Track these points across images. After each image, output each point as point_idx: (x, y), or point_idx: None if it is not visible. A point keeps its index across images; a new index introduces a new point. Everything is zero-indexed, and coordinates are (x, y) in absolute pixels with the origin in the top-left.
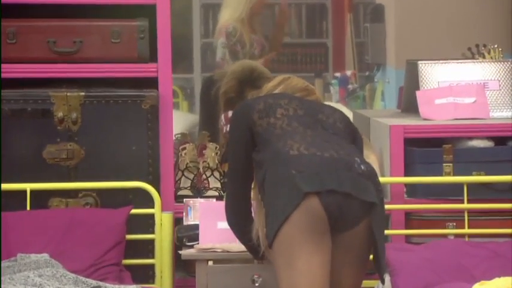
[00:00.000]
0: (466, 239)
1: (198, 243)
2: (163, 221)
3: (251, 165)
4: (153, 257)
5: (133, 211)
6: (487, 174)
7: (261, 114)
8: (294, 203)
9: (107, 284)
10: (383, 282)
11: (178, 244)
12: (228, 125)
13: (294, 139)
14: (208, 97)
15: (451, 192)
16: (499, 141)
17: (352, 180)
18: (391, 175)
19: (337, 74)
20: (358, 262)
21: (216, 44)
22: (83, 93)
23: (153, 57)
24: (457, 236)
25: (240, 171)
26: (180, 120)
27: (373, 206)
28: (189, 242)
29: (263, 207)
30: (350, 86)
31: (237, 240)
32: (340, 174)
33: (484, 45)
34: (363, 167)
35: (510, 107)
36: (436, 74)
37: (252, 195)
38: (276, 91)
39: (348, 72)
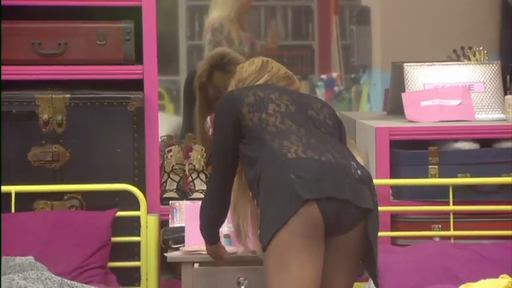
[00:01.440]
0: (452, 241)
1: (184, 246)
2: (149, 224)
3: (238, 157)
4: (138, 259)
5: (119, 213)
6: (472, 176)
7: (251, 108)
8: (293, 209)
9: (92, 287)
10: (377, 286)
11: (164, 246)
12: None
13: (290, 140)
14: (191, 90)
15: (437, 194)
16: (485, 143)
17: (350, 187)
18: (377, 177)
19: (323, 76)
20: (350, 265)
21: (205, 43)
22: (68, 96)
23: (138, 59)
24: (442, 238)
25: (228, 163)
26: (166, 122)
27: (368, 211)
28: (175, 244)
29: (253, 202)
30: (336, 88)
31: (223, 243)
32: (339, 180)
33: (470, 48)
34: (359, 172)
35: (495, 109)
36: (422, 76)
37: (234, 187)
38: (261, 80)
39: (334, 75)
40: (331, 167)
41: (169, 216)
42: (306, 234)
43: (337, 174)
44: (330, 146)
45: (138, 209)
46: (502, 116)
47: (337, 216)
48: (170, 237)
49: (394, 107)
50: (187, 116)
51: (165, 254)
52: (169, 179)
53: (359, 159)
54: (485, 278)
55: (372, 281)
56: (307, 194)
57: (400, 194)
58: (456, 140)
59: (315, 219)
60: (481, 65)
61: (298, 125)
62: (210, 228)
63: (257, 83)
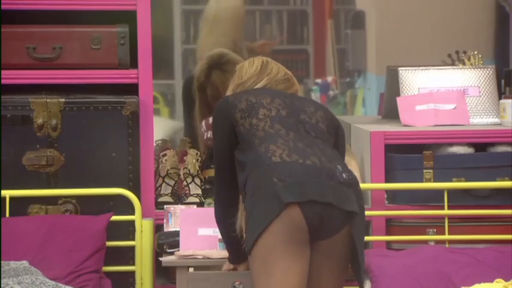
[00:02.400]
0: (447, 245)
1: (178, 250)
2: (144, 228)
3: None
4: (133, 264)
5: (114, 218)
6: (467, 180)
7: (243, 114)
8: (275, 213)
9: None
10: None
11: (158, 251)
12: (209, 131)
13: (276, 144)
14: (190, 94)
15: (432, 198)
16: (479, 147)
17: (334, 190)
18: (372, 181)
19: (318, 80)
20: (337, 269)
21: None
22: (62, 100)
23: (133, 64)
24: (437, 242)
25: (227, 169)
26: (161, 127)
27: (353, 214)
28: (169, 248)
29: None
30: (331, 92)
31: (218, 247)
32: (322, 183)
33: (464, 52)
34: (344, 176)
35: (490, 114)
36: (417, 80)
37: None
38: (260, 84)
39: (329, 79)
40: (315, 170)
41: (164, 220)
42: (289, 238)
43: (321, 177)
44: (318, 149)
45: (132, 213)
46: (496, 120)
47: (321, 219)
48: (165, 241)
49: (389, 111)
50: (187, 120)
51: (160, 259)
52: (164, 183)
53: (353, 163)
54: (480, 283)
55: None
56: (288, 198)
57: (395, 198)
58: (451, 144)
59: (298, 223)
60: (476, 69)
61: (287, 129)
62: (226, 229)
63: (255, 87)
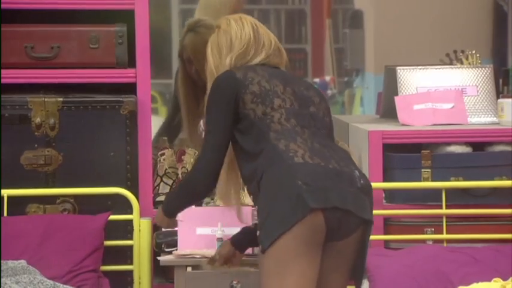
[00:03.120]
0: (445, 244)
1: (176, 249)
2: (142, 227)
3: (232, 134)
4: (131, 263)
5: (112, 217)
6: (465, 179)
7: (255, 99)
8: (299, 216)
9: None
10: None
11: (157, 250)
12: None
13: (296, 142)
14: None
15: (430, 197)
16: (477, 146)
17: (353, 196)
18: (370, 180)
19: (316, 80)
20: (345, 270)
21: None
22: (60, 99)
23: (131, 63)
24: (435, 241)
25: (223, 137)
26: (159, 126)
27: (368, 222)
28: (167, 248)
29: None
30: (329, 92)
31: (216, 247)
32: (344, 189)
33: (462, 51)
34: (362, 181)
35: (488, 113)
36: (415, 79)
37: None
38: (259, 58)
39: (327, 78)
40: (337, 175)
41: None
42: (308, 242)
43: (343, 183)
44: (333, 151)
45: (131, 212)
46: (494, 119)
47: (339, 224)
48: (163, 240)
49: (387, 110)
50: (168, 120)
51: (158, 258)
52: (162, 183)
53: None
54: (478, 282)
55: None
56: (314, 203)
57: (393, 197)
58: (449, 144)
59: (319, 228)
60: (474, 69)
61: (302, 126)
62: (185, 203)
63: (254, 61)
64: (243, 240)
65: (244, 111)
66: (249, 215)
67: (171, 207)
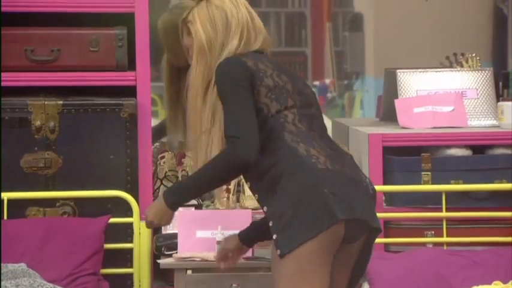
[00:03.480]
0: (445, 247)
1: (176, 252)
2: (142, 230)
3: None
4: (131, 266)
5: (112, 220)
6: (465, 182)
7: (269, 94)
8: (325, 225)
9: None
10: None
11: (156, 253)
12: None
13: (314, 148)
14: None
15: (430, 200)
16: (477, 149)
17: (368, 205)
18: None
19: (316, 83)
20: (349, 273)
21: None
22: (60, 102)
23: (131, 66)
24: (435, 244)
25: (256, 125)
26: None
27: (376, 230)
28: (167, 251)
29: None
30: (329, 95)
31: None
32: (362, 199)
33: (462, 54)
34: (370, 188)
35: (488, 116)
36: (415, 82)
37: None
38: (257, 44)
39: (327, 81)
40: (356, 184)
41: None
42: (328, 251)
43: (360, 192)
44: (341, 155)
45: (131, 215)
46: (494, 122)
47: (354, 233)
48: (163, 243)
49: (387, 113)
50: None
51: (158, 261)
52: (162, 186)
53: None
54: (478, 285)
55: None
56: (341, 214)
57: (393, 200)
58: (449, 147)
59: (338, 237)
60: (474, 72)
61: (313, 129)
62: (206, 189)
63: (253, 48)
64: (253, 234)
65: (258, 105)
66: (248, 218)
67: (188, 193)
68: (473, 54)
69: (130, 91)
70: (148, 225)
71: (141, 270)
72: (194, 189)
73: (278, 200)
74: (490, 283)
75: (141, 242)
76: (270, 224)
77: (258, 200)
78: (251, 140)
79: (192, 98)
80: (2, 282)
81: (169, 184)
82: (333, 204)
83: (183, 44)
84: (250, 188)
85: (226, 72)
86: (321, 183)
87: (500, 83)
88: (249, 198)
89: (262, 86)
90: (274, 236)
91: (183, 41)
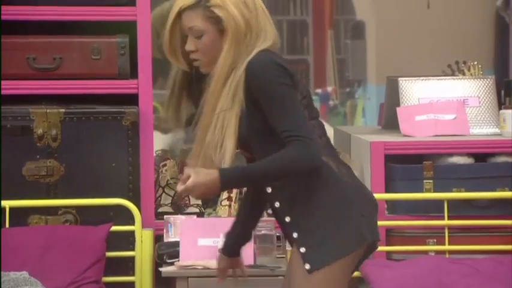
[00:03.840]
0: (447, 255)
1: (178, 260)
2: (144, 238)
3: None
4: (133, 274)
5: (114, 228)
6: (467, 190)
7: (303, 101)
8: (356, 246)
9: None
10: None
11: (158, 261)
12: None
13: (339, 161)
14: None
15: (432, 208)
16: (479, 157)
17: (377, 222)
18: (372, 191)
19: (318, 91)
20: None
21: None
22: (62, 110)
23: (133, 74)
24: (437, 252)
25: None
26: (161, 137)
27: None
28: (169, 259)
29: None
30: (331, 102)
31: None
32: (377, 219)
33: (464, 62)
34: (375, 201)
35: (490, 124)
36: (417, 90)
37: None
38: (279, 42)
39: (329, 89)
40: (370, 201)
41: (164, 230)
42: (350, 270)
43: (375, 210)
44: (348, 166)
45: (132, 223)
46: (496, 130)
47: (369, 252)
48: (165, 251)
49: (389, 121)
50: None
51: (160, 269)
52: (164, 194)
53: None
54: None
55: None
56: (369, 237)
57: (394, 208)
58: (451, 155)
59: (359, 256)
60: (476, 80)
61: (328, 141)
62: (266, 181)
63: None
64: (234, 245)
65: None
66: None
67: (248, 179)
68: (475, 62)
69: (132, 99)
70: (184, 194)
71: (143, 278)
72: (255, 179)
73: (310, 212)
74: None
75: (143, 250)
76: (295, 235)
77: (277, 209)
78: (318, 144)
79: (216, 81)
80: None
81: (172, 192)
82: (364, 226)
83: (196, 29)
84: (271, 195)
85: (273, 68)
86: (351, 199)
87: (502, 91)
88: None
89: (298, 92)
90: (303, 250)
91: (197, 26)
